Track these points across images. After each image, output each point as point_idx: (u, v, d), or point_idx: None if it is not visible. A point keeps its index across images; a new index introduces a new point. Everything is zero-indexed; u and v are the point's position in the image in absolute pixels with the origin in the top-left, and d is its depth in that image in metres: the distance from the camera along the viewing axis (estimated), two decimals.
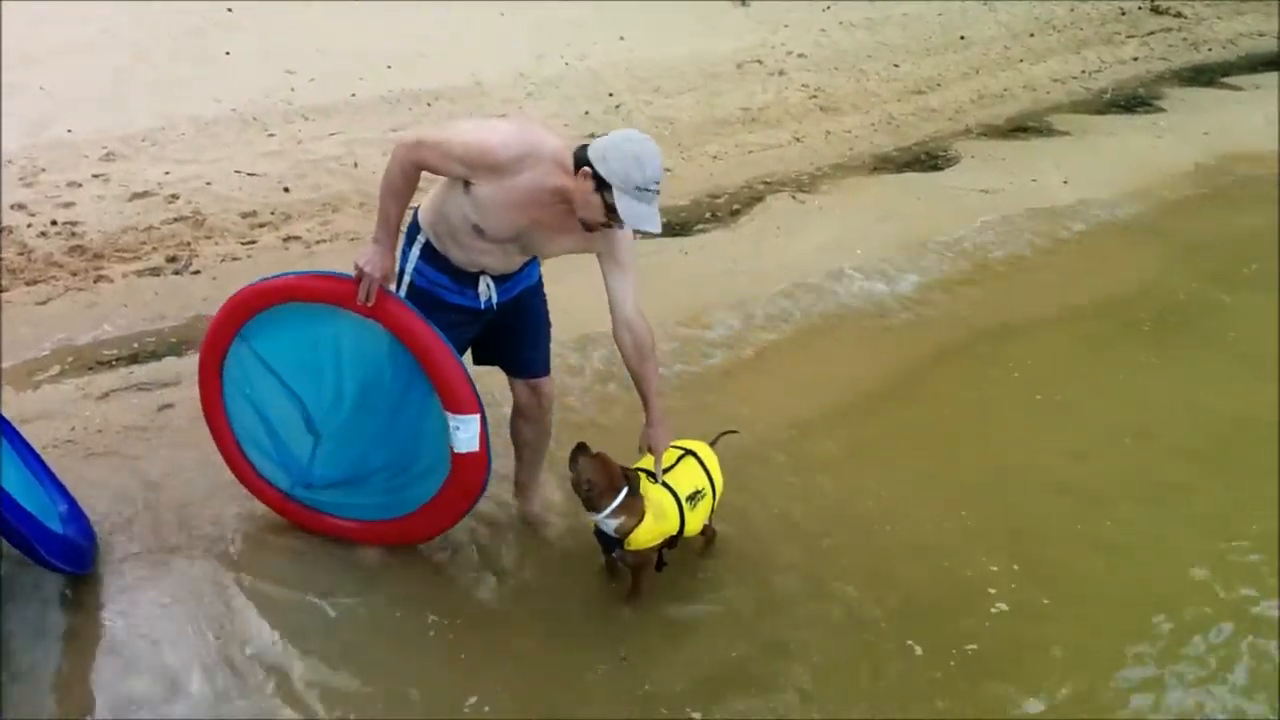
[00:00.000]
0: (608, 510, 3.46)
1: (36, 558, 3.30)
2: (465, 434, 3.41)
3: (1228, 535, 4.24)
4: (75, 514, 3.73)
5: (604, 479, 3.46)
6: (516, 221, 3.21)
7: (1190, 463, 4.68)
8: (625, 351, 3.45)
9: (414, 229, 3.48)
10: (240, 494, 3.93)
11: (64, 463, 4.05)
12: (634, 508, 3.49)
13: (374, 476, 3.70)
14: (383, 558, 3.82)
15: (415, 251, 3.46)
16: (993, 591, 3.90)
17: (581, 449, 3.51)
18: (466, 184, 3.17)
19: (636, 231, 3.16)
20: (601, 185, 3.03)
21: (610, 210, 3.05)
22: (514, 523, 4.07)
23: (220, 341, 3.64)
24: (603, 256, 3.36)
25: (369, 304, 3.31)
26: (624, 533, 3.49)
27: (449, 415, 3.39)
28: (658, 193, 3.05)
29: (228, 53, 8.46)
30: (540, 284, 3.74)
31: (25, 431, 3.90)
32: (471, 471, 3.50)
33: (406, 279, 3.49)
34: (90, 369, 4.83)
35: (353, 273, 3.30)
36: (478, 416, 3.40)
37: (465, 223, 3.23)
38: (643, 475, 3.60)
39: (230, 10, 9.25)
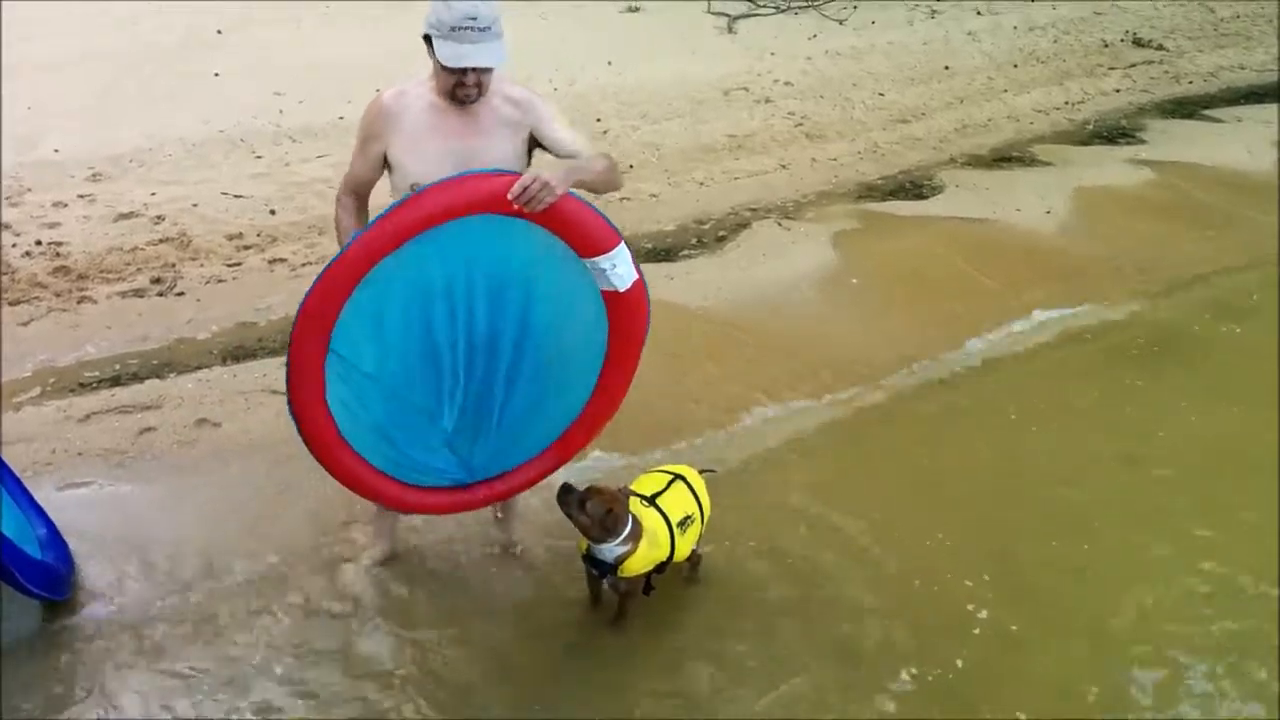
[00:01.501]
0: (621, 538, 3.43)
1: (14, 584, 3.26)
2: (622, 267, 3.20)
3: (1211, 561, 4.26)
4: (54, 539, 3.70)
5: (620, 507, 3.43)
6: (438, 146, 3.17)
7: (1174, 490, 4.70)
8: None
9: None
10: (214, 511, 3.89)
11: (43, 486, 4.02)
12: (637, 534, 3.48)
13: (541, 393, 3.47)
14: (364, 577, 3.80)
15: None
16: (972, 610, 3.93)
17: (570, 489, 3.44)
18: (389, 168, 3.24)
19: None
20: (430, 44, 3.06)
21: (445, 68, 3.02)
22: (494, 549, 4.05)
23: (312, 368, 3.10)
24: (535, 130, 3.26)
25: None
26: (621, 560, 3.47)
27: (595, 260, 3.17)
28: (482, 29, 2.96)
29: (216, 74, 8.48)
30: None
31: (5, 454, 3.87)
32: (635, 307, 3.29)
33: None
34: (72, 391, 4.81)
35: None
36: (623, 243, 3.21)
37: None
38: (635, 499, 3.60)
39: (220, 32, 9.26)
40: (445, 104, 3.17)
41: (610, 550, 3.45)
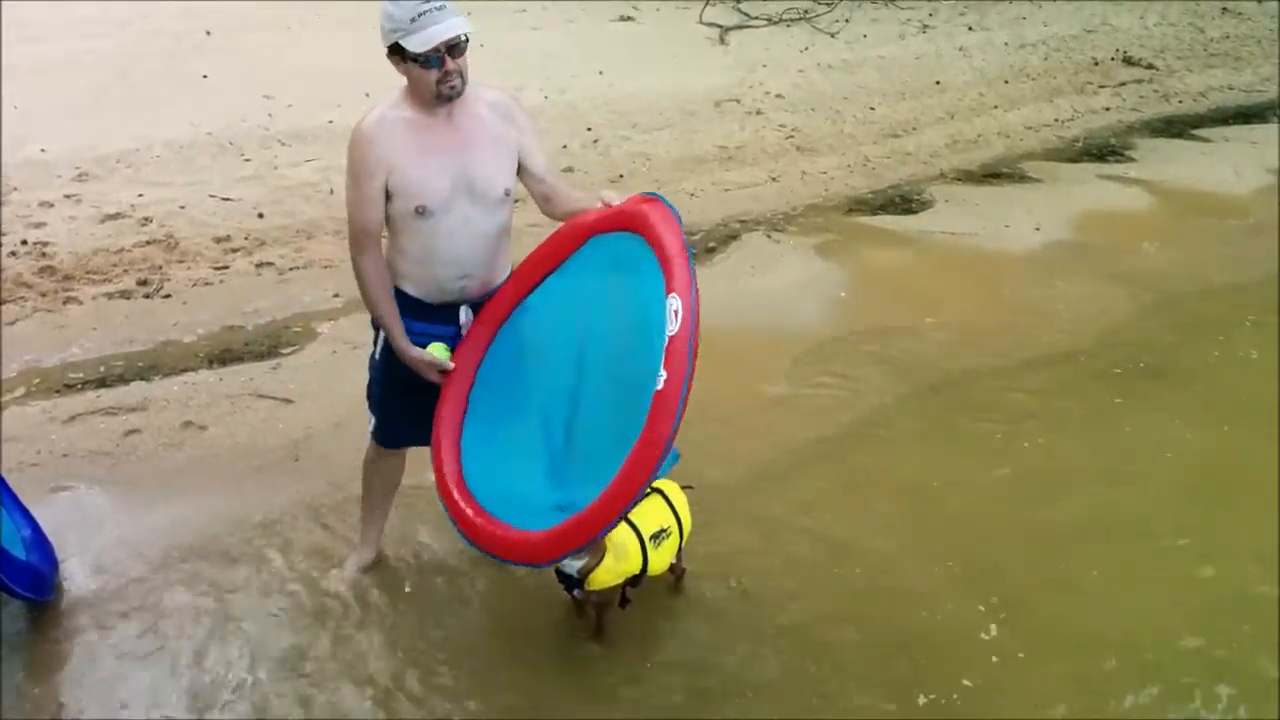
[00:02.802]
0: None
1: None
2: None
3: (1197, 579, 4.25)
4: (39, 540, 3.67)
5: None
6: (434, 161, 3.13)
7: (1158, 507, 4.70)
8: (556, 210, 3.36)
9: None
10: (199, 514, 3.85)
11: (28, 487, 3.98)
12: (596, 546, 3.43)
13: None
14: (348, 582, 3.78)
15: None
16: (963, 627, 3.89)
17: None
18: (388, 195, 3.16)
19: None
20: (399, 54, 3.02)
21: (423, 63, 2.99)
22: (480, 556, 4.01)
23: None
24: (521, 145, 3.27)
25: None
26: (585, 572, 3.43)
27: (672, 297, 2.91)
28: (439, 7, 2.95)
29: (205, 76, 8.46)
30: None
31: None
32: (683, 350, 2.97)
33: (381, 337, 3.39)
34: (57, 392, 4.77)
35: None
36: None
37: (412, 222, 3.17)
38: None
39: (209, 34, 9.25)
40: (429, 118, 3.13)
41: (567, 564, 3.39)
